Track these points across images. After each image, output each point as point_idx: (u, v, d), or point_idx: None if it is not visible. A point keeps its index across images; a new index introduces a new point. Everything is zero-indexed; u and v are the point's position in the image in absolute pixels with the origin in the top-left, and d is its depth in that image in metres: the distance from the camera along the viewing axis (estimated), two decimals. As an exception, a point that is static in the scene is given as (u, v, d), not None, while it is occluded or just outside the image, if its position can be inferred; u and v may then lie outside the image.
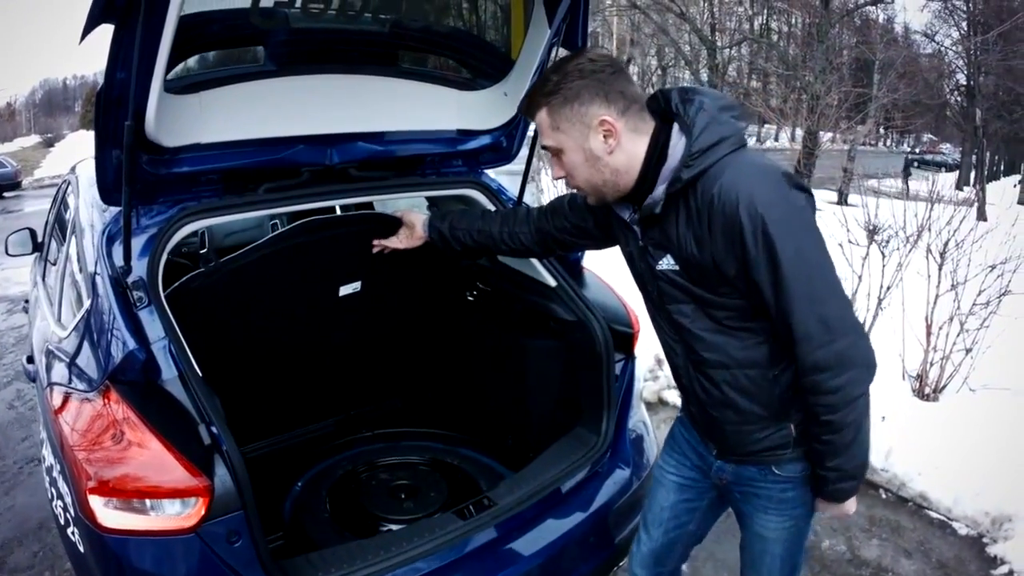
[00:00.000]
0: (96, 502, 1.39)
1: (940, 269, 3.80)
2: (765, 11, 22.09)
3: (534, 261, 2.10)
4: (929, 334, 3.72)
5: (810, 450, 1.33)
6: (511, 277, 2.24)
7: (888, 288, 4.25)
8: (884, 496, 3.09)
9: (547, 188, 6.93)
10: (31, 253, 3.54)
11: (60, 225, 2.79)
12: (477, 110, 2.11)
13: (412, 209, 2.09)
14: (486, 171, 2.34)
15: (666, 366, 1.56)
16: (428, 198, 2.41)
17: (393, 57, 2.07)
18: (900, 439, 3.21)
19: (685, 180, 1.22)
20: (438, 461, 2.44)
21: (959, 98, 22.11)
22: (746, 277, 1.21)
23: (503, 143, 2.22)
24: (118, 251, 1.64)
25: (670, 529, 1.61)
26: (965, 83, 20.80)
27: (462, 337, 2.58)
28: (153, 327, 1.53)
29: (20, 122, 60.57)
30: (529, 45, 1.98)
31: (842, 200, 11.25)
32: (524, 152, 2.19)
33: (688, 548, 1.69)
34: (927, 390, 3.70)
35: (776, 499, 1.41)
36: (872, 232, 4.41)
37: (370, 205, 2.67)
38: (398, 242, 1.98)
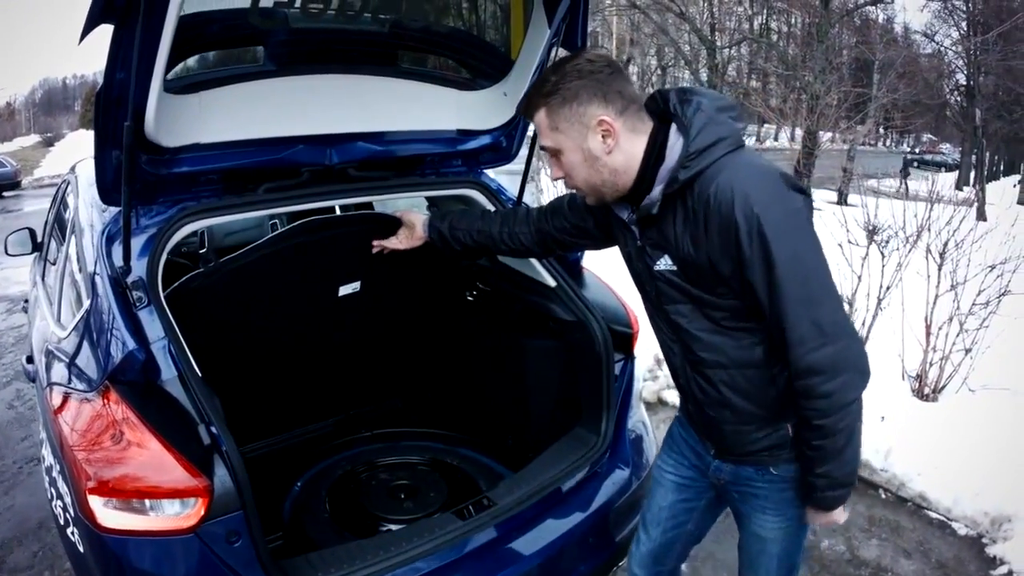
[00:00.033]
0: (96, 502, 1.39)
1: (940, 269, 3.80)
2: (765, 11, 22.08)
3: (534, 261, 2.10)
4: (929, 334, 3.72)
5: (800, 455, 1.32)
6: (511, 277, 2.24)
7: (888, 288, 4.25)
8: (883, 496, 3.09)
9: (547, 188, 6.93)
10: (30, 253, 3.54)
11: (60, 225, 2.79)
12: (477, 110, 2.11)
13: (412, 209, 2.09)
14: (486, 171, 2.34)
15: (665, 366, 1.56)
16: (428, 198, 2.41)
17: (393, 57, 2.07)
18: (899, 439, 3.21)
19: (682, 181, 1.22)
20: (438, 461, 2.44)
21: (959, 98, 22.12)
22: (740, 278, 1.21)
23: (503, 143, 2.22)
24: (118, 251, 1.65)
25: (668, 529, 1.62)
26: (965, 83, 20.81)
27: (462, 337, 2.58)
28: (152, 327, 1.53)
29: (20, 121, 60.50)
30: (529, 45, 1.98)
31: (842, 200, 11.25)
32: (524, 152, 2.19)
33: (687, 548, 1.69)
34: (926, 390, 3.71)
35: (774, 499, 1.41)
36: (872, 232, 4.42)
37: (370, 205, 2.67)
38: (398, 242, 1.97)
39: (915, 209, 4.20)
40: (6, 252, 3.57)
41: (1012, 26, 15.13)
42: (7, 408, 4.00)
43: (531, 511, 1.81)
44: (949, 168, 27.10)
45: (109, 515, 1.39)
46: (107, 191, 1.60)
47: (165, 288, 1.68)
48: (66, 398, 1.65)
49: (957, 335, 3.69)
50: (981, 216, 8.60)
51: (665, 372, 3.98)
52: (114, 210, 1.75)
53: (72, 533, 1.55)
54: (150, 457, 1.39)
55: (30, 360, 2.42)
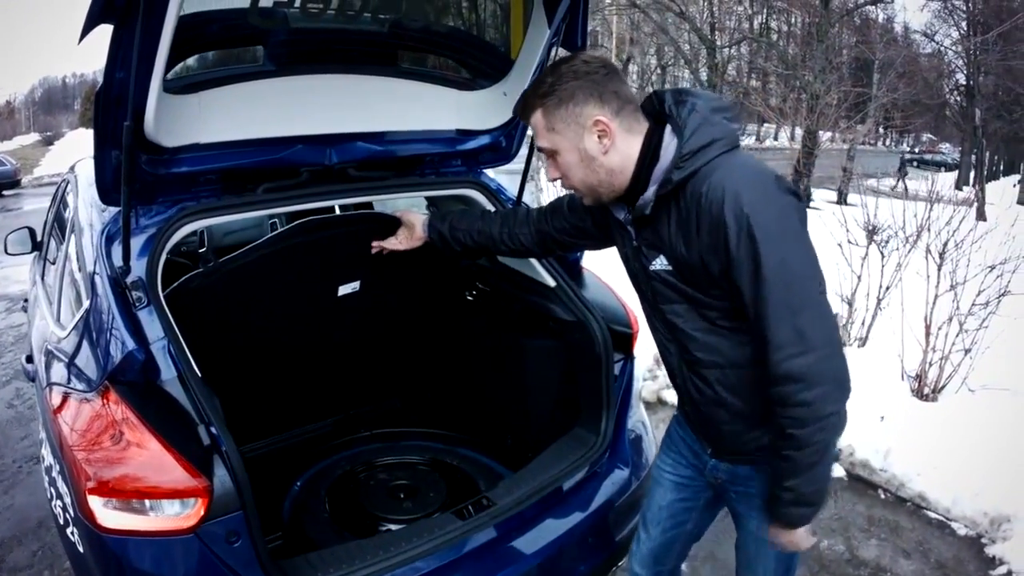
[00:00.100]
0: (95, 502, 1.39)
1: (939, 269, 3.80)
2: (765, 10, 22.09)
3: (533, 261, 2.10)
4: (928, 334, 3.72)
5: (770, 465, 1.30)
6: (510, 277, 2.24)
7: (887, 288, 4.26)
8: (883, 496, 3.09)
9: (546, 187, 6.93)
10: (30, 252, 3.54)
11: (59, 224, 2.79)
12: (476, 110, 2.11)
13: (411, 209, 2.09)
14: (485, 171, 2.34)
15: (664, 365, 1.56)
16: (427, 198, 2.41)
17: (392, 57, 2.07)
18: (899, 439, 3.22)
19: (675, 182, 1.22)
20: (437, 461, 2.44)
21: (958, 98, 22.13)
22: (728, 278, 1.21)
23: (502, 143, 2.22)
24: (117, 251, 1.64)
25: (668, 528, 1.62)
26: (965, 83, 20.82)
27: (461, 337, 2.58)
28: (152, 327, 1.53)
29: (19, 120, 60.45)
30: (528, 45, 1.98)
31: (841, 200, 11.26)
32: (523, 152, 2.19)
33: (687, 547, 1.70)
34: (926, 390, 3.71)
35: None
36: (871, 232, 4.42)
37: (369, 205, 2.67)
38: (397, 243, 1.97)
39: (915, 209, 4.21)
40: (6, 251, 3.56)
41: (1012, 26, 15.14)
42: (7, 407, 3.99)
43: (531, 511, 1.81)
44: (949, 168, 27.12)
45: (109, 515, 1.39)
46: (107, 191, 1.60)
47: (164, 288, 1.68)
48: (66, 398, 1.65)
49: (957, 335, 3.69)
50: (981, 216, 8.61)
51: (664, 372, 3.98)
52: (114, 210, 1.74)
53: (72, 533, 1.54)
54: (150, 457, 1.39)
55: (30, 359, 2.42)
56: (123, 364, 1.43)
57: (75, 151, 20.32)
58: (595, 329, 1.99)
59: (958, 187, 16.33)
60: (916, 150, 37.61)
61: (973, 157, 21.62)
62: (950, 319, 3.71)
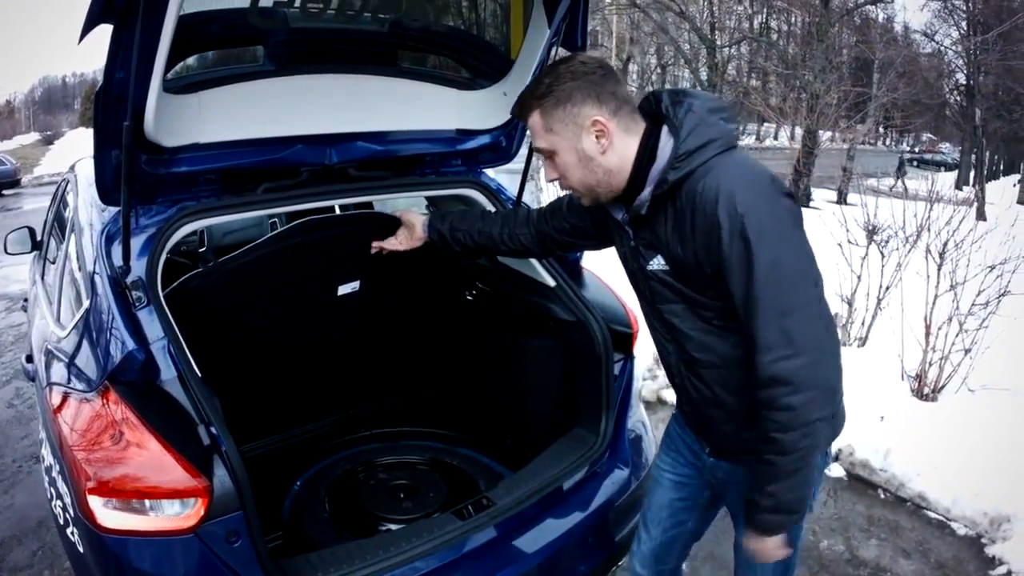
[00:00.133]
0: (95, 502, 1.39)
1: (939, 269, 3.81)
2: (765, 10, 22.09)
3: (533, 261, 2.10)
4: (928, 334, 3.72)
5: (750, 469, 1.29)
6: (510, 277, 2.24)
7: (887, 288, 4.26)
8: (883, 496, 3.09)
9: (546, 187, 6.93)
10: (30, 251, 3.54)
11: (59, 223, 2.79)
12: (476, 110, 2.11)
13: (411, 209, 2.09)
14: (485, 170, 2.34)
15: (663, 365, 1.57)
16: (427, 197, 2.41)
17: (392, 57, 2.07)
18: (899, 439, 3.22)
19: (671, 182, 1.22)
20: (437, 461, 2.44)
21: (958, 97, 22.13)
22: (720, 277, 1.20)
23: (502, 142, 2.22)
24: (117, 251, 1.64)
25: (669, 528, 1.62)
26: (965, 83, 20.81)
27: (461, 337, 2.58)
28: (152, 327, 1.53)
29: (19, 120, 60.41)
30: (528, 45, 1.98)
31: (841, 199, 11.26)
32: (523, 151, 2.19)
33: (688, 546, 1.70)
34: (926, 390, 3.71)
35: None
36: (871, 232, 4.43)
37: (369, 205, 2.66)
38: (397, 243, 1.97)
39: (915, 209, 4.21)
40: (5, 250, 3.56)
41: (1012, 26, 15.14)
42: (7, 406, 4.00)
43: (530, 511, 1.81)
44: (949, 167, 27.11)
45: (109, 515, 1.39)
46: (106, 191, 1.60)
47: (164, 288, 1.68)
48: (66, 398, 1.65)
49: (957, 335, 3.69)
50: (981, 216, 8.61)
51: (664, 371, 3.98)
52: (113, 209, 1.74)
53: (72, 533, 1.54)
54: (150, 457, 1.39)
55: (30, 359, 2.42)
56: (123, 364, 1.43)
57: (75, 150, 20.31)
58: (595, 329, 1.99)
59: (958, 187, 16.34)
60: (916, 150, 37.62)
61: (973, 157, 21.62)
62: (950, 319, 3.71)
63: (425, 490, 2.26)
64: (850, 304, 4.40)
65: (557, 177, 1.35)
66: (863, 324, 4.38)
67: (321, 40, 1.86)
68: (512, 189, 2.32)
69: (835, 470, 3.24)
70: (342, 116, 1.90)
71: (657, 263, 1.31)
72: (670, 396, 3.97)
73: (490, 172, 2.37)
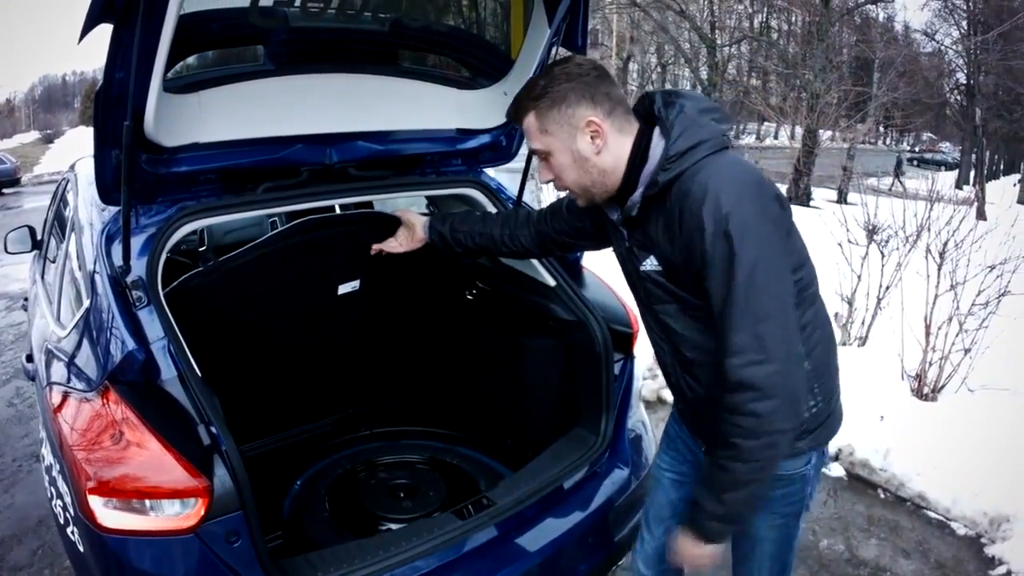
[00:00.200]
0: (96, 502, 1.39)
1: (939, 269, 3.81)
2: (765, 9, 22.08)
3: (534, 261, 2.10)
4: (928, 334, 3.72)
5: (704, 472, 1.28)
6: (511, 277, 2.24)
7: (887, 288, 4.26)
8: (883, 496, 3.09)
9: (546, 187, 6.92)
10: (30, 250, 3.54)
11: (59, 223, 2.78)
12: (477, 109, 2.11)
13: (411, 209, 2.09)
14: (485, 170, 2.34)
15: (662, 365, 1.57)
16: (427, 197, 2.40)
17: (393, 56, 2.06)
18: (899, 439, 3.22)
19: (662, 183, 1.22)
20: (437, 460, 2.44)
21: (959, 97, 22.14)
22: (701, 276, 1.20)
23: (502, 142, 2.22)
24: (117, 250, 1.64)
25: (671, 527, 1.61)
26: (965, 82, 20.82)
27: (461, 336, 2.58)
28: (152, 327, 1.53)
29: (19, 118, 60.41)
30: (529, 44, 1.98)
31: (841, 199, 11.27)
32: (524, 151, 2.19)
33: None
34: (926, 390, 3.71)
35: (765, 498, 1.40)
36: (871, 232, 4.43)
37: (369, 204, 2.66)
38: (397, 245, 1.97)
39: (915, 209, 4.21)
40: (6, 250, 3.56)
41: (1012, 26, 15.14)
42: (7, 406, 4.00)
43: (530, 511, 1.81)
44: (949, 167, 27.10)
45: (109, 515, 1.39)
46: (106, 190, 1.60)
47: (164, 287, 1.68)
48: (66, 397, 1.65)
49: (956, 335, 3.70)
50: (981, 215, 8.61)
51: (664, 371, 3.98)
52: (114, 209, 1.74)
53: (72, 533, 1.54)
54: (150, 457, 1.39)
55: (30, 358, 2.42)
56: (123, 364, 1.43)
57: (75, 149, 20.32)
58: (595, 329, 1.99)
59: (958, 186, 16.33)
60: (916, 149, 37.62)
61: (973, 156, 21.62)
62: (950, 319, 3.72)
63: (425, 490, 2.26)
64: (850, 304, 4.40)
65: (552, 178, 1.36)
66: (863, 324, 4.38)
67: (321, 39, 1.86)
68: (512, 189, 2.32)
69: (835, 470, 3.24)
70: (342, 116, 1.90)
71: (650, 264, 1.32)
72: (670, 395, 3.96)
73: (490, 171, 2.37)
